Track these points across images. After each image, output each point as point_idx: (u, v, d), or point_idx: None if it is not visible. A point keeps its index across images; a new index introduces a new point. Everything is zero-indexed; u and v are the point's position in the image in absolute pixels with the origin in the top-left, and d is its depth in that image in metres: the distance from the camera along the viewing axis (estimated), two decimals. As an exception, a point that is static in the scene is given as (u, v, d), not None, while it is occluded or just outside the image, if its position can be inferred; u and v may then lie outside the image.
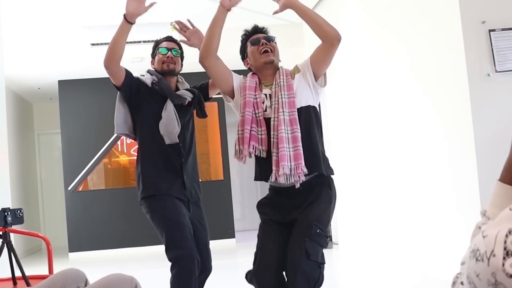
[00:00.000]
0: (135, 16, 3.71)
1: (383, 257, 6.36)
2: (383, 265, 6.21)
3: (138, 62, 8.69)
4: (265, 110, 3.31)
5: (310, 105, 3.33)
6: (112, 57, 3.67)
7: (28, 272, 3.77)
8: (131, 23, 3.72)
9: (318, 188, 3.26)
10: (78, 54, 8.79)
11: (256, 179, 3.43)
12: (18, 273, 3.79)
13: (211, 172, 10.66)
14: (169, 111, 3.74)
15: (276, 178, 3.16)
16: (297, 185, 3.15)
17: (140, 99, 3.78)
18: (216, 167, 10.50)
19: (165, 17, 8.38)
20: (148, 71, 3.93)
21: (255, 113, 3.32)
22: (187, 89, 3.93)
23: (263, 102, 3.33)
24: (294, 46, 9.02)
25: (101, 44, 8.42)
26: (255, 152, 3.26)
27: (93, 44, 8.41)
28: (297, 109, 3.25)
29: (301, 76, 3.38)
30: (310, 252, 3.00)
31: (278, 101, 3.26)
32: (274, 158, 3.18)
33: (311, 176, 3.21)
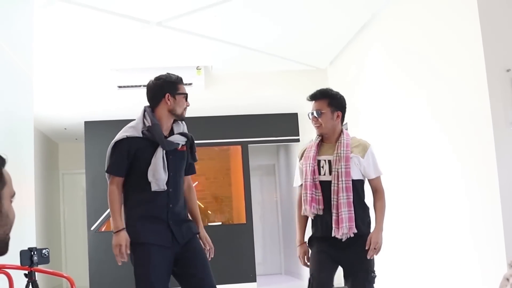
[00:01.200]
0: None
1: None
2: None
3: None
4: (323, 174, 4.08)
5: (359, 179, 4.09)
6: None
7: (51, 311, 3.78)
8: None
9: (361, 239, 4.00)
10: (105, 96, 8.91)
11: (314, 234, 4.17)
12: (41, 312, 3.81)
13: (234, 215, 10.65)
14: (157, 158, 3.72)
15: (336, 234, 3.93)
16: (344, 238, 3.95)
17: (135, 153, 3.77)
18: (239, 211, 10.49)
19: (190, 61, 8.50)
20: (145, 110, 3.90)
21: (313, 179, 4.06)
22: (181, 133, 3.89)
23: (322, 167, 4.09)
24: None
25: (128, 86, 8.54)
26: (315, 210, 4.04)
27: (120, 87, 8.53)
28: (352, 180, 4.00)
29: (357, 161, 4.07)
30: None
31: (338, 170, 3.97)
32: (334, 217, 3.94)
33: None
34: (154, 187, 3.69)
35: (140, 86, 8.50)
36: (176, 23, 6.79)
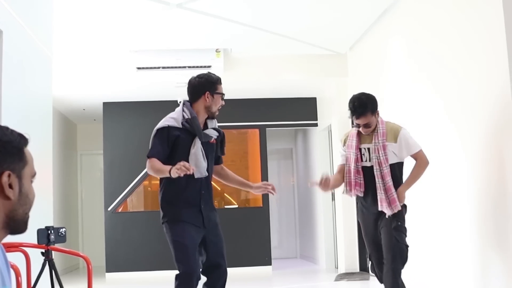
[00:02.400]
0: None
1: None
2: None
3: (183, 87, 8.78)
4: (365, 161, 4.79)
5: (396, 162, 4.76)
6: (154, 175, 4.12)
7: (67, 291, 3.81)
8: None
9: None
10: (124, 77, 8.92)
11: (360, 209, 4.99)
12: (57, 291, 3.84)
13: (250, 198, 10.67)
14: (197, 148, 4.07)
15: (387, 211, 4.62)
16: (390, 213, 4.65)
17: (177, 140, 4.09)
18: (255, 194, 10.50)
19: (210, 43, 8.49)
20: (184, 104, 4.21)
21: (356, 166, 4.79)
22: (214, 128, 4.26)
23: (363, 154, 4.80)
24: (338, 75, 9.02)
25: (147, 68, 8.54)
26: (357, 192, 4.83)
27: (139, 68, 8.54)
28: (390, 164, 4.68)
29: (391, 147, 4.71)
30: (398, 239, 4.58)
31: (378, 158, 4.66)
32: (382, 197, 4.64)
33: None
34: (197, 174, 4.02)
35: (159, 67, 8.50)
36: (196, 5, 6.76)
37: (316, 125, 10.52)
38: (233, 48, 8.74)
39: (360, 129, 4.78)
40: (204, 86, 4.21)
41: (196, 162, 4.03)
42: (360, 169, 4.81)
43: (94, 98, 10.04)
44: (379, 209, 4.68)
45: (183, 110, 4.16)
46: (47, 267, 3.77)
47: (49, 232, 3.78)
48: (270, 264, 10.04)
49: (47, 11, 5.74)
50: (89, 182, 12.53)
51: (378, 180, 4.68)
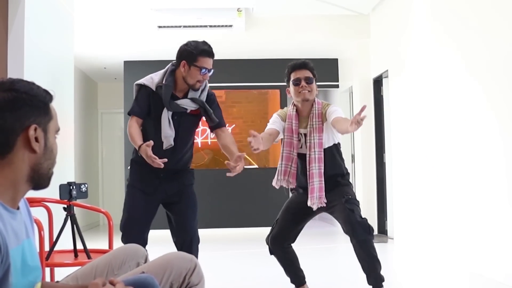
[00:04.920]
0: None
1: (438, 253, 6.29)
2: (438, 262, 6.14)
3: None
4: (301, 147, 4.29)
5: (332, 144, 4.27)
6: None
7: (88, 246, 3.87)
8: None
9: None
10: (145, 36, 8.91)
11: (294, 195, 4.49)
12: (79, 246, 3.89)
13: (270, 159, 10.69)
14: (164, 117, 3.94)
15: (309, 203, 4.17)
16: (315, 208, 4.19)
17: (149, 103, 4.01)
18: (275, 155, 10.51)
19: (231, 2, 8.43)
20: (166, 71, 4.05)
21: (291, 152, 4.31)
22: (192, 98, 3.99)
23: (299, 140, 4.30)
24: (359, 37, 8.94)
25: (168, 26, 8.52)
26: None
27: (160, 27, 8.52)
28: (324, 149, 4.20)
29: (327, 125, 4.19)
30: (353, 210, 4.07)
31: (311, 141, 4.18)
32: (310, 187, 4.16)
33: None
34: (165, 145, 3.94)
35: (180, 26, 8.47)
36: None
37: (337, 86, 10.48)
38: (254, 7, 8.68)
39: (300, 88, 4.24)
40: (182, 54, 3.96)
41: (162, 131, 3.93)
42: (295, 157, 4.32)
43: (115, 56, 10.06)
44: (309, 204, 4.17)
45: (165, 73, 4.04)
46: (69, 222, 3.82)
47: (71, 187, 3.82)
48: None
49: (68, -32, 5.72)
50: (110, 140, 12.61)
51: (308, 167, 4.20)
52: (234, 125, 10.30)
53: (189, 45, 3.95)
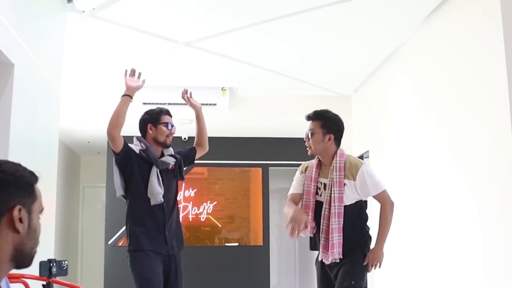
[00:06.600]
0: (135, 90, 4.44)
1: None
2: None
3: (187, 124, 8.85)
4: (320, 195, 4.19)
5: (355, 202, 4.15)
6: (116, 125, 4.31)
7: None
8: (132, 98, 4.41)
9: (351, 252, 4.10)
10: (129, 111, 8.91)
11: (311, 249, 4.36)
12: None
13: (251, 237, 10.66)
14: (152, 175, 4.28)
15: (324, 259, 4.06)
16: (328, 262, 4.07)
17: (132, 164, 4.30)
18: (256, 233, 10.51)
19: (216, 82, 8.58)
20: (137, 138, 4.48)
21: (310, 200, 4.22)
22: (170, 155, 4.46)
23: (319, 188, 4.21)
24: (341, 117, 9.05)
25: (153, 103, 8.61)
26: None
27: (144, 103, 8.61)
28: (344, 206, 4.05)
29: (350, 185, 4.09)
30: None
31: (330, 195, 4.06)
32: (322, 242, 4.07)
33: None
34: (152, 201, 4.24)
35: (165, 103, 8.58)
36: (204, 44, 6.86)
37: (319, 165, 10.56)
38: (238, 87, 8.83)
39: (305, 139, 4.39)
40: (145, 120, 4.54)
41: (151, 189, 4.24)
42: (313, 205, 4.21)
43: (99, 131, 10.08)
44: (319, 258, 4.15)
45: (137, 144, 4.45)
46: (47, 300, 3.79)
47: (51, 264, 3.80)
48: (269, 303, 10.01)
49: (58, 46, 5.83)
50: (90, 214, 12.54)
51: (323, 222, 4.09)
52: (215, 202, 10.31)
53: (148, 113, 4.56)
